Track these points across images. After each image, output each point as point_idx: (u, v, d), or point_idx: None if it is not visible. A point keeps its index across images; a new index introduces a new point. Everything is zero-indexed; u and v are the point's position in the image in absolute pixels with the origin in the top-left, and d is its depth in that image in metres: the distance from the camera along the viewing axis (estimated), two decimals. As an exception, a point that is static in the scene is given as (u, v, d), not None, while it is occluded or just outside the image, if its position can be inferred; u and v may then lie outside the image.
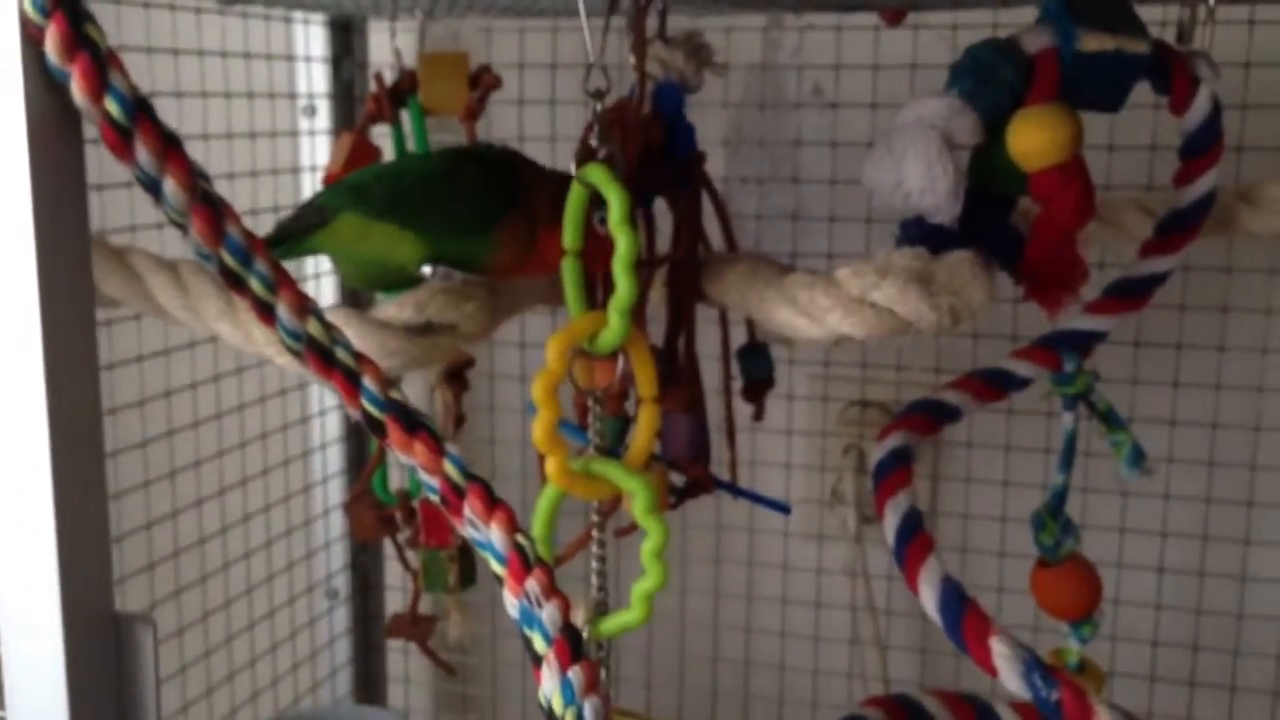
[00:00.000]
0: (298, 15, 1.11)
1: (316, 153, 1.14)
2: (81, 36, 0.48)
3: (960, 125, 0.69)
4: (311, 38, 1.13)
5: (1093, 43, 0.71)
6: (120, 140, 0.48)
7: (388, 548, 1.13)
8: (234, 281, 0.51)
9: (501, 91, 1.00)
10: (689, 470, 0.85)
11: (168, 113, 0.50)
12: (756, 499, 0.89)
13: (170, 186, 0.49)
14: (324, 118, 1.14)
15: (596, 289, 0.71)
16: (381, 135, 0.98)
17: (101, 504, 0.53)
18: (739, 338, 0.89)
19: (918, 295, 0.67)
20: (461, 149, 0.77)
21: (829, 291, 0.69)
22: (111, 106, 0.48)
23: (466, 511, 0.53)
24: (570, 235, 0.67)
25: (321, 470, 1.18)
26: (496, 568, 0.52)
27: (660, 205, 0.82)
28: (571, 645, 0.49)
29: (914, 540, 0.78)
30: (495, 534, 0.52)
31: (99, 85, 0.47)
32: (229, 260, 0.50)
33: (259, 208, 1.07)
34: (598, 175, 0.65)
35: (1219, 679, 1.10)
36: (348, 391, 0.53)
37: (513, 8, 0.96)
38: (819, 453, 1.20)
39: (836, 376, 1.18)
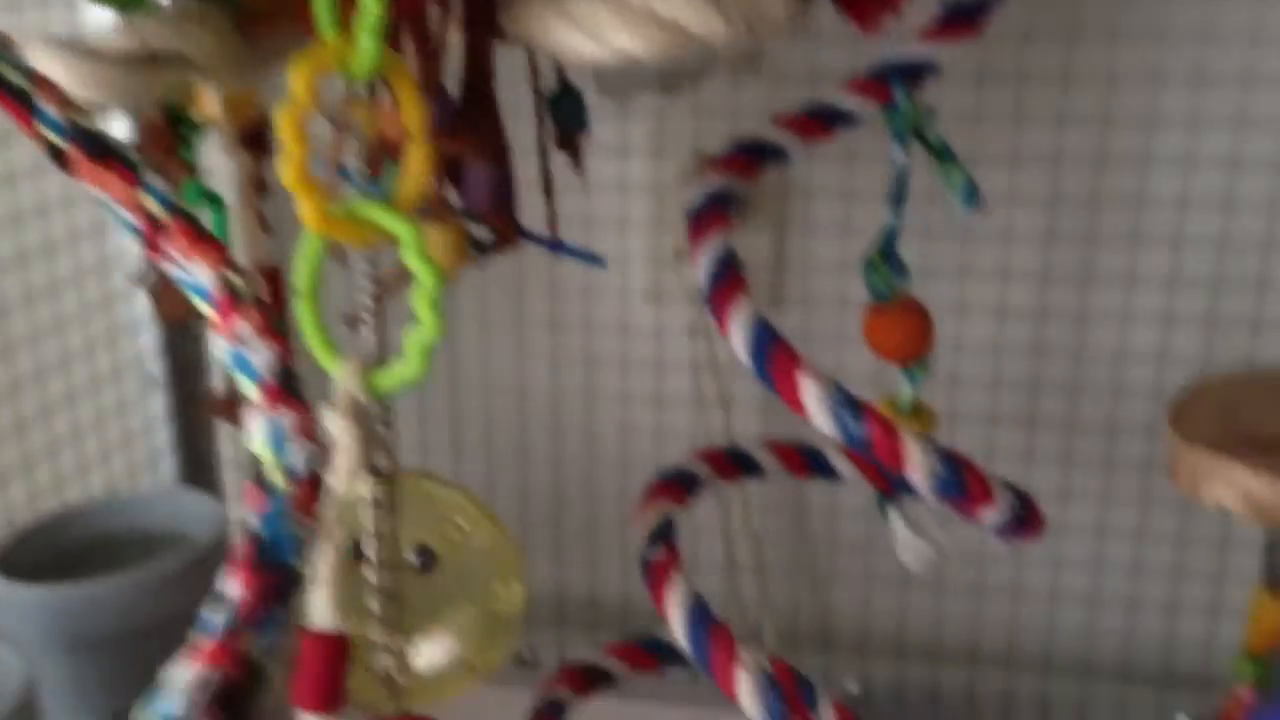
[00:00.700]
0: None
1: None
2: None
3: None
4: None
5: None
6: None
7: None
8: None
9: None
10: (491, 221, 0.79)
11: None
12: (566, 250, 0.84)
13: None
14: None
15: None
16: None
17: None
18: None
19: (705, 4, 0.61)
20: None
21: (609, 4, 0.62)
22: None
23: (170, 248, 0.46)
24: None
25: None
26: (204, 308, 0.46)
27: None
28: (283, 387, 0.43)
29: (725, 281, 0.75)
30: (201, 270, 0.46)
31: None
32: None
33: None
34: None
35: (1058, 417, 1.09)
36: (19, 115, 0.46)
37: None
38: (657, 209, 1.14)
39: (675, 130, 1.12)
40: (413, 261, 0.62)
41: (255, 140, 0.95)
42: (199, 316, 0.96)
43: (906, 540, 0.97)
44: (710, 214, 0.78)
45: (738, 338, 0.72)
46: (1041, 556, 1.12)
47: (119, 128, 0.94)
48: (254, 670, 0.57)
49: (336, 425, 0.61)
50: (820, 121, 0.82)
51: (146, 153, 0.82)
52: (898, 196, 0.82)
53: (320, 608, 0.66)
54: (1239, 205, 1.03)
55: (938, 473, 0.70)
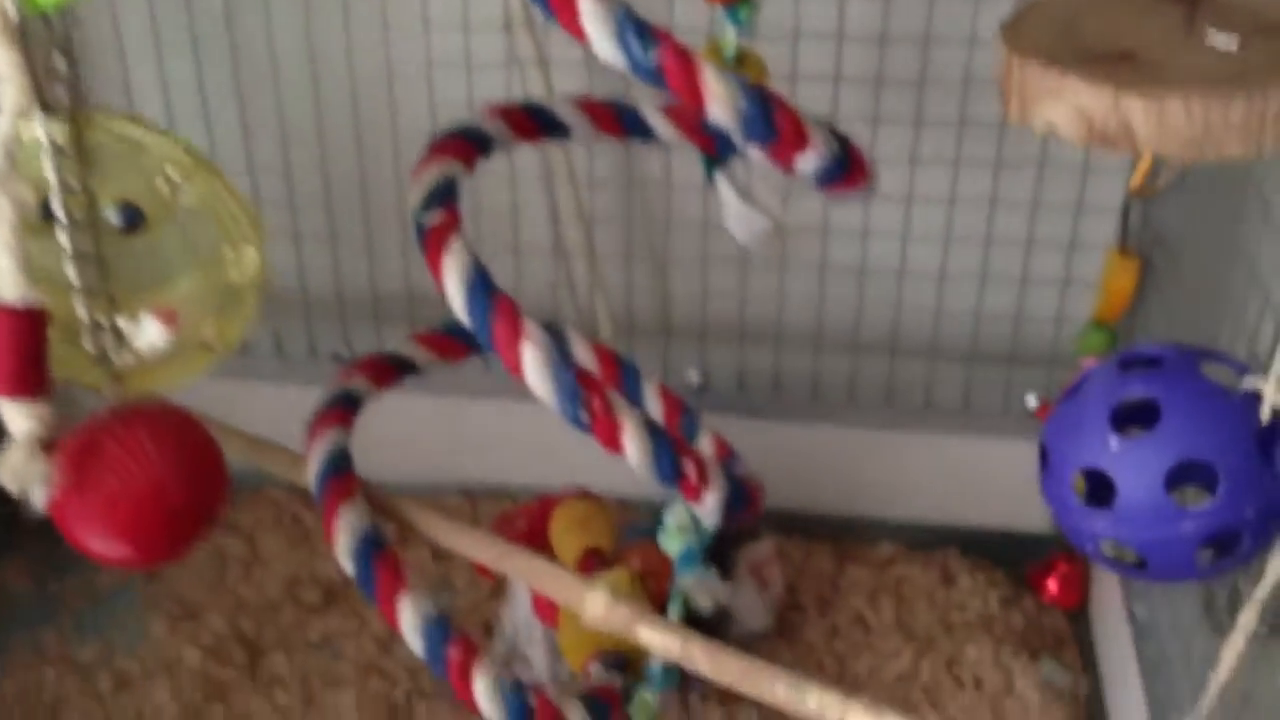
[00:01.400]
0: None
1: None
2: None
3: None
4: None
5: None
6: None
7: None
8: None
9: None
10: None
11: None
12: None
13: None
14: None
15: None
16: None
17: None
18: None
19: None
20: None
21: None
22: None
23: None
24: None
25: None
26: None
27: None
28: None
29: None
30: None
31: None
32: None
33: None
34: None
35: (909, 75, 0.99)
36: None
37: None
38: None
39: None
40: None
41: None
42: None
43: (736, 209, 0.88)
44: None
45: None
46: (888, 229, 1.05)
47: None
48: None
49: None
50: None
51: None
52: None
53: (4, 278, 0.55)
54: None
55: (742, 109, 0.60)
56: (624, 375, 0.94)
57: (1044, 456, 0.62)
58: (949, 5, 0.97)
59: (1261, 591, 0.56)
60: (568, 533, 0.91)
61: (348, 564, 0.76)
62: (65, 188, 0.53)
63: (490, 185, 1.06)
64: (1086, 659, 1.04)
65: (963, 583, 1.11)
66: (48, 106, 0.52)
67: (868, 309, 1.09)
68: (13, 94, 0.51)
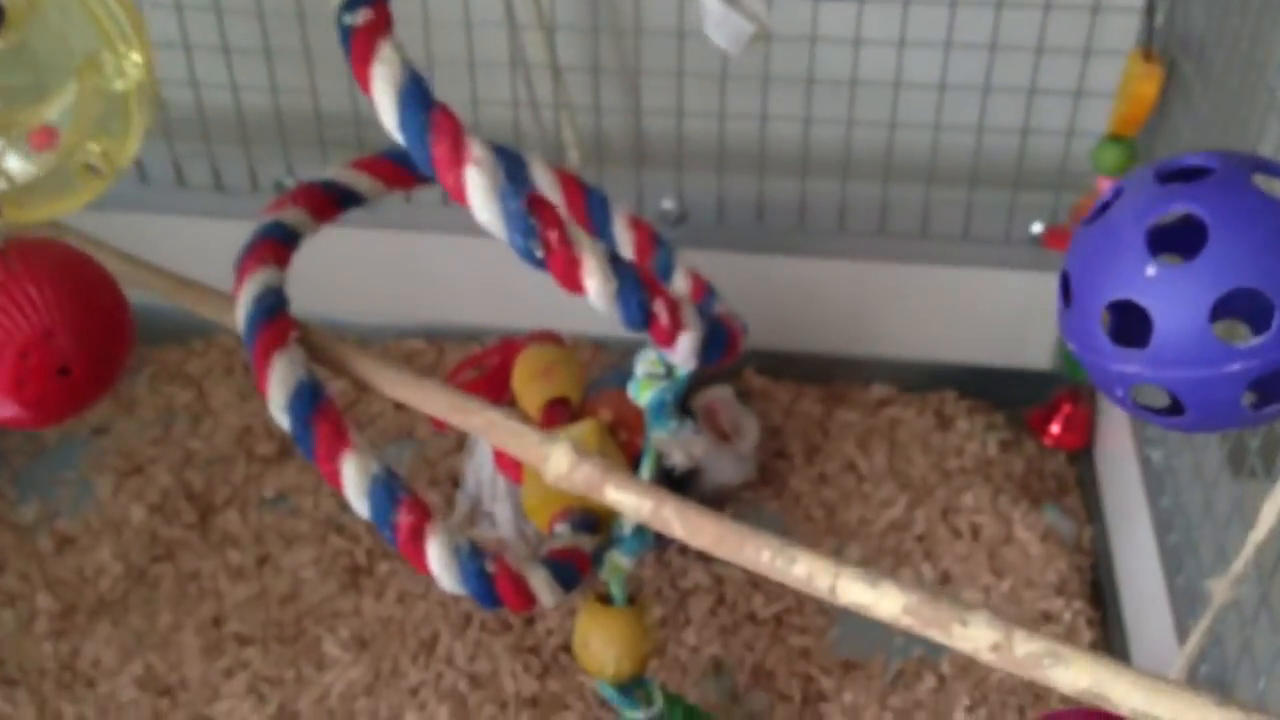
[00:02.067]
0: None
1: None
2: None
3: None
4: None
5: None
6: None
7: None
8: None
9: None
10: None
11: None
12: None
13: None
14: None
15: None
16: None
17: None
18: None
19: None
20: None
21: None
22: None
23: None
24: None
25: None
26: None
27: None
28: None
29: None
30: None
31: None
32: None
33: None
34: None
35: None
36: None
37: None
38: None
39: None
40: None
41: None
42: None
43: (716, 12, 0.78)
44: None
45: None
46: (883, 36, 0.94)
47: None
48: None
49: None
50: None
51: None
52: None
53: None
54: None
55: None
56: (590, 204, 0.85)
57: (1065, 288, 0.54)
58: None
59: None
60: (531, 382, 0.83)
61: (282, 419, 0.68)
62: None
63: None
64: (1091, 507, 0.98)
65: (960, 425, 1.04)
66: None
67: (859, 126, 0.99)
68: None
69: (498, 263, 0.83)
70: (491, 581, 0.67)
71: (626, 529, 0.72)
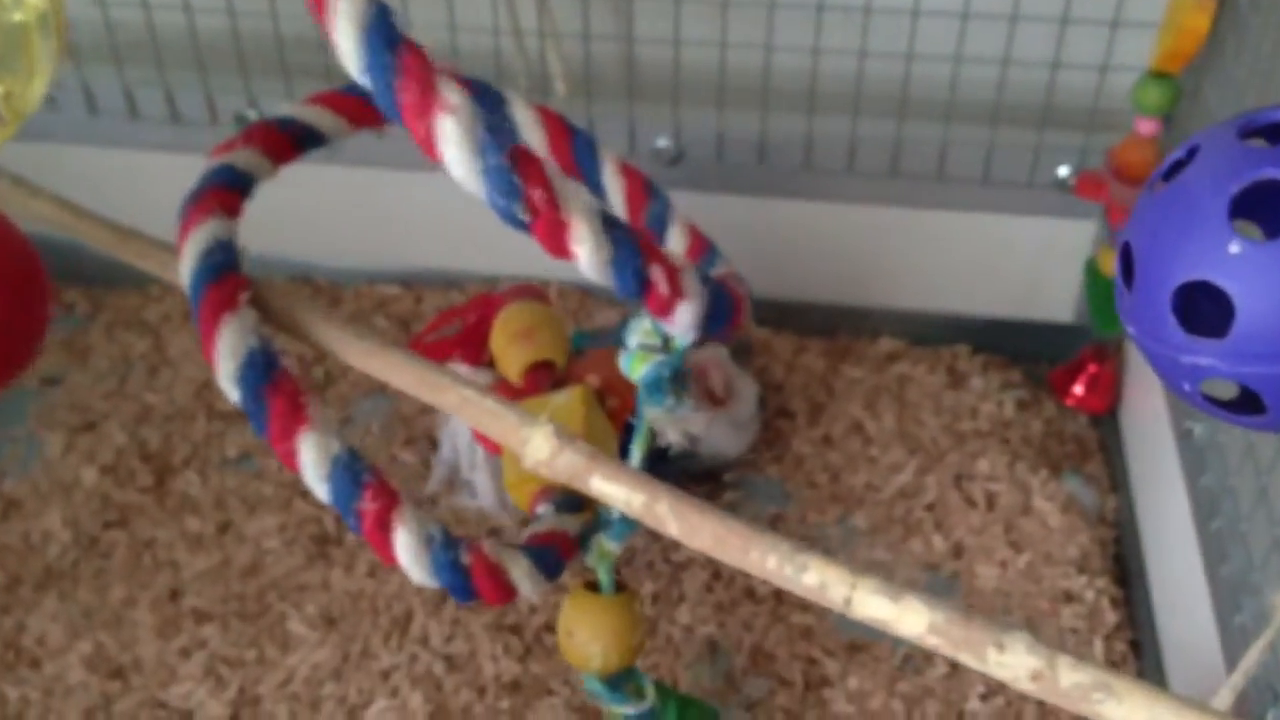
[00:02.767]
0: None
1: None
2: None
3: None
4: None
5: None
6: None
7: None
8: None
9: None
10: None
11: None
12: None
13: None
14: None
15: None
16: None
17: None
18: None
19: None
20: None
21: None
22: None
23: None
24: None
25: None
26: None
27: None
28: None
29: None
30: None
31: None
32: None
33: None
34: None
35: None
36: None
37: None
38: None
39: None
40: None
41: None
42: None
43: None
44: None
45: None
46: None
47: None
48: None
49: None
50: None
51: None
52: None
53: None
54: None
55: None
56: (577, 149, 0.77)
57: (1126, 264, 0.46)
58: None
59: None
60: (512, 344, 0.75)
61: (232, 391, 0.61)
62: None
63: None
64: (1116, 476, 0.91)
65: (974, 384, 0.97)
66: None
67: (872, 58, 0.90)
68: None
69: (479, 203, 0.76)
70: (467, 573, 0.60)
71: (615, 512, 0.65)
